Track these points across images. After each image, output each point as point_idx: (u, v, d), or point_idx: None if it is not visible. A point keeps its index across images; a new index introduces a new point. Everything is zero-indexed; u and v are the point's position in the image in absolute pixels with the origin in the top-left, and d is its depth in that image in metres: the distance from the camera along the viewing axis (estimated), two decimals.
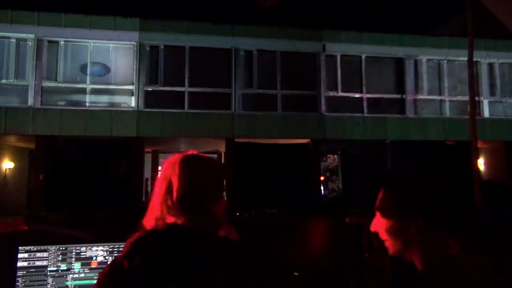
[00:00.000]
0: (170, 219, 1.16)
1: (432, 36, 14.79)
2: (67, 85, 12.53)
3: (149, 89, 12.78)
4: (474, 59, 8.89)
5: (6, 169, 14.14)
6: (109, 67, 12.90)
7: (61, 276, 1.70)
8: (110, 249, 1.77)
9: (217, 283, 1.08)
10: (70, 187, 11.44)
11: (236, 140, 13.03)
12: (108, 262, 1.76)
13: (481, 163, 14.90)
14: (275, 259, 1.26)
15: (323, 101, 13.65)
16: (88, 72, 12.61)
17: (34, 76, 12.12)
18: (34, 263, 1.68)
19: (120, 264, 1.10)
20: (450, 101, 14.53)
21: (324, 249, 2.54)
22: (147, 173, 14.76)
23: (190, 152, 1.31)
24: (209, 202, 1.20)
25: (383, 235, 1.18)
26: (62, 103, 12.33)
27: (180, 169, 1.21)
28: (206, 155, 1.34)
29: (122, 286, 1.08)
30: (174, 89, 12.94)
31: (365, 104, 13.98)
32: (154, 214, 1.19)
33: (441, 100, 14.49)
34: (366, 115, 13.86)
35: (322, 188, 16.80)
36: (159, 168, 19.10)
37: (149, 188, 13.38)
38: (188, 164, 1.23)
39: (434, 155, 13.93)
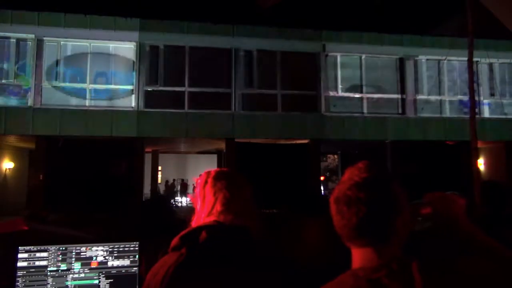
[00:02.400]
0: (219, 218, 1.37)
1: (432, 36, 14.80)
2: (67, 85, 12.53)
3: (149, 89, 12.78)
4: (474, 59, 8.89)
5: (6, 169, 14.14)
6: (108, 63, 12.90)
7: (61, 276, 1.70)
8: (110, 249, 1.77)
9: (242, 276, 1.22)
10: (70, 187, 11.43)
11: (236, 140, 13.03)
12: (108, 262, 1.76)
13: (481, 163, 14.90)
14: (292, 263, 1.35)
15: (323, 101, 13.65)
16: (88, 72, 12.61)
17: (34, 76, 12.12)
18: (34, 263, 1.68)
19: (168, 260, 1.28)
20: (450, 101, 14.53)
21: (324, 249, 2.54)
22: (147, 173, 14.77)
23: (218, 169, 1.53)
24: (249, 207, 1.43)
25: None
26: (62, 103, 12.33)
27: (224, 181, 1.44)
28: (231, 170, 1.56)
29: (175, 273, 1.24)
30: (174, 89, 12.94)
31: (365, 104, 13.99)
32: (203, 217, 1.40)
33: (441, 100, 14.49)
34: (366, 115, 13.87)
35: (322, 188, 16.80)
36: (159, 168, 19.13)
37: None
38: (232, 179, 1.46)
39: (434, 155, 13.94)
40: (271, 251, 1.31)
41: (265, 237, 1.48)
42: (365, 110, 13.93)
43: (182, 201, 22.41)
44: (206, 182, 1.45)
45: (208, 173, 1.49)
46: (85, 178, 11.71)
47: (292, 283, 1.24)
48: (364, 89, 14.10)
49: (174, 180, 23.69)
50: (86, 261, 1.74)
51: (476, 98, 11.41)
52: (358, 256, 1.01)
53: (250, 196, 1.47)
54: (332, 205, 1.04)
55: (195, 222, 1.40)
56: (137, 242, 1.80)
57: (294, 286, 1.23)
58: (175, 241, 1.30)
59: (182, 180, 22.80)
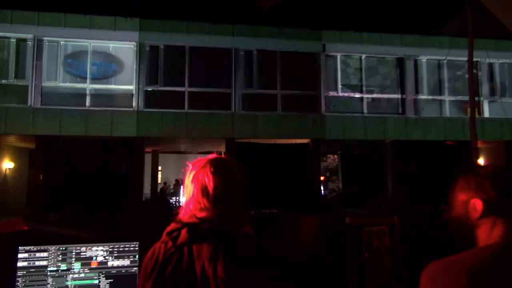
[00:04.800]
0: (202, 215, 1.33)
1: (432, 36, 14.79)
2: (67, 85, 12.54)
3: (149, 89, 12.78)
4: (474, 59, 8.89)
5: (6, 169, 14.14)
6: (108, 63, 12.91)
7: (61, 276, 1.70)
8: (110, 249, 1.77)
9: (232, 277, 1.22)
10: (70, 187, 11.43)
11: (236, 140, 13.03)
12: (108, 262, 1.76)
13: (481, 163, 14.89)
14: (286, 259, 1.35)
15: (323, 101, 13.66)
16: (88, 72, 12.62)
17: (34, 76, 12.12)
18: (34, 263, 1.68)
19: (158, 250, 1.31)
20: (450, 101, 14.53)
21: (324, 249, 2.54)
22: (147, 173, 14.76)
23: (214, 155, 1.46)
24: (236, 201, 1.38)
25: None
26: (62, 103, 12.32)
27: (212, 171, 1.37)
28: (227, 157, 1.49)
29: (160, 268, 1.28)
30: (174, 89, 12.94)
31: (365, 104, 13.99)
32: (189, 211, 1.36)
33: (441, 100, 14.50)
34: (366, 115, 13.87)
35: (322, 188, 16.80)
36: (159, 168, 19.11)
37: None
38: (218, 167, 1.38)
39: (434, 155, 13.93)
40: (256, 248, 1.30)
41: (252, 233, 1.42)
42: (365, 110, 13.94)
43: (182, 201, 22.37)
44: (192, 171, 1.40)
45: (197, 162, 1.43)
46: (85, 178, 11.71)
47: (277, 281, 1.25)
48: (364, 89, 14.10)
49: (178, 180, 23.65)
50: (86, 261, 1.74)
51: (476, 98, 11.41)
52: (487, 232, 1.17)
53: (241, 188, 1.40)
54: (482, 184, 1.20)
55: (183, 215, 1.37)
56: (137, 242, 1.80)
57: (280, 284, 1.24)
58: (163, 235, 1.34)
59: (177, 180, 22.68)
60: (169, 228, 1.34)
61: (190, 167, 1.42)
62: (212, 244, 1.26)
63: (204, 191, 1.35)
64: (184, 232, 1.29)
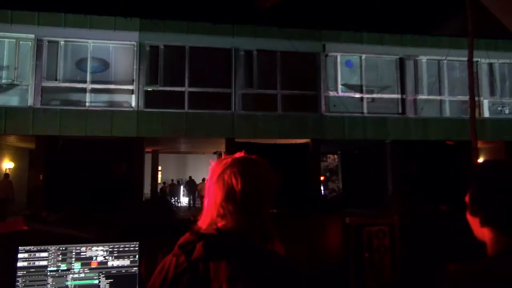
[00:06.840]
0: (223, 223, 1.16)
1: (432, 36, 14.80)
2: (67, 85, 12.53)
3: (149, 89, 12.78)
4: (474, 59, 8.90)
5: (6, 169, 14.13)
6: (108, 63, 12.92)
7: (61, 276, 1.70)
8: (110, 249, 1.77)
9: None
10: (70, 187, 11.44)
11: (236, 140, 13.03)
12: (108, 262, 1.76)
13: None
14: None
15: (323, 101, 13.65)
16: (88, 72, 12.62)
17: (34, 76, 12.12)
18: (34, 263, 1.68)
19: (168, 264, 1.14)
20: (450, 101, 14.53)
21: (324, 250, 2.54)
22: (147, 173, 14.76)
23: (242, 154, 1.26)
24: (265, 209, 1.20)
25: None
26: (62, 103, 12.32)
27: (240, 171, 1.18)
28: (256, 157, 1.27)
29: (169, 287, 1.12)
30: (174, 89, 12.94)
31: (365, 104, 13.99)
32: (209, 217, 1.19)
33: (441, 100, 14.49)
34: (366, 115, 13.86)
35: (322, 188, 16.80)
36: (159, 168, 19.12)
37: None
38: (248, 167, 1.20)
39: (434, 155, 13.94)
40: (285, 270, 1.13)
41: (283, 250, 1.25)
42: (365, 110, 13.93)
43: (182, 201, 22.46)
44: (216, 171, 1.21)
45: (222, 160, 1.24)
46: (85, 178, 11.72)
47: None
48: (364, 89, 14.10)
49: (178, 180, 23.71)
50: (86, 261, 1.74)
51: (476, 98, 11.41)
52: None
53: (272, 194, 1.21)
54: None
55: (203, 222, 1.20)
56: (137, 242, 1.80)
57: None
58: (175, 248, 1.17)
59: (172, 180, 22.66)
60: (182, 240, 1.16)
61: (213, 166, 1.23)
62: (232, 262, 1.08)
63: (229, 194, 1.16)
64: (199, 246, 1.11)
